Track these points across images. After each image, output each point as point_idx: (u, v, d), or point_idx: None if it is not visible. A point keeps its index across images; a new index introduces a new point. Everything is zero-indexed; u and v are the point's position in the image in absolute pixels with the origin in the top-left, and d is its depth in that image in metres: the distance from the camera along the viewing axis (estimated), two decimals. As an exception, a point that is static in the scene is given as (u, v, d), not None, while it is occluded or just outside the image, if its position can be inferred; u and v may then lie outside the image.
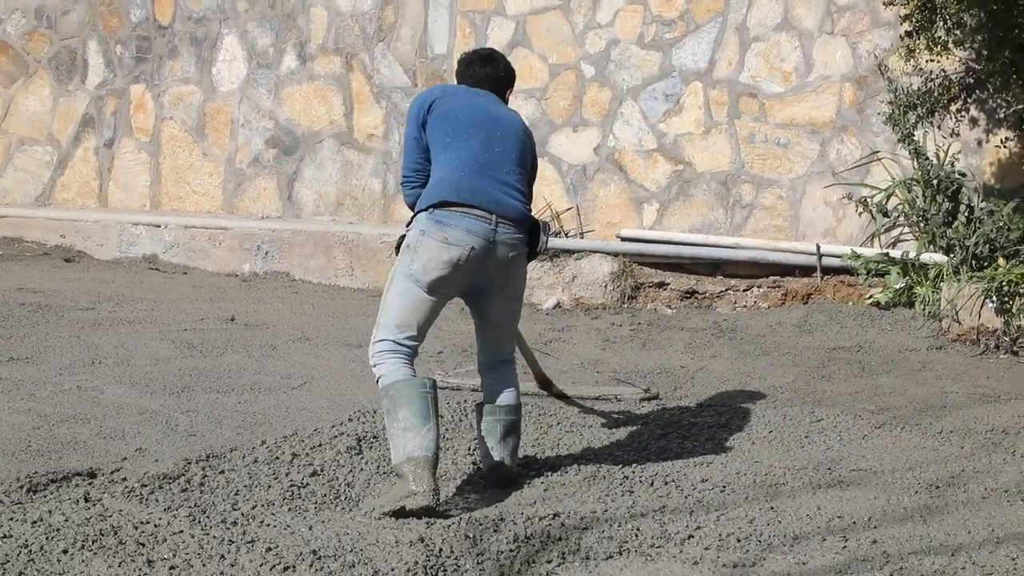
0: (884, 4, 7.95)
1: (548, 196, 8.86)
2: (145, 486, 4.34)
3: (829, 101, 8.46)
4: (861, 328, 7.52)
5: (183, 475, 4.49)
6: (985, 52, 7.81)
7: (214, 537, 3.82)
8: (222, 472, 4.58)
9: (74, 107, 10.49)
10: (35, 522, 3.85)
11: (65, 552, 3.66)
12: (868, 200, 8.21)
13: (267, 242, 9.22)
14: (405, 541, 3.82)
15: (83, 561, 3.62)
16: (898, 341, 7.28)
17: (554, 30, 9.10)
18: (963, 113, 8.08)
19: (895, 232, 8.26)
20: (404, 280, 4.51)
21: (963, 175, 8.01)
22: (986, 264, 7.51)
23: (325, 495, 4.47)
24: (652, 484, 4.64)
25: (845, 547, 4.00)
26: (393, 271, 4.58)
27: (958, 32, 7.53)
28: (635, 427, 5.48)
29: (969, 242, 7.65)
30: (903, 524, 4.25)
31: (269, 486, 4.50)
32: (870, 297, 7.93)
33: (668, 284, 8.48)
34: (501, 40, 9.12)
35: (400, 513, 4.13)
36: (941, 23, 7.56)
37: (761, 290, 8.33)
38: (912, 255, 7.86)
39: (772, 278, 8.37)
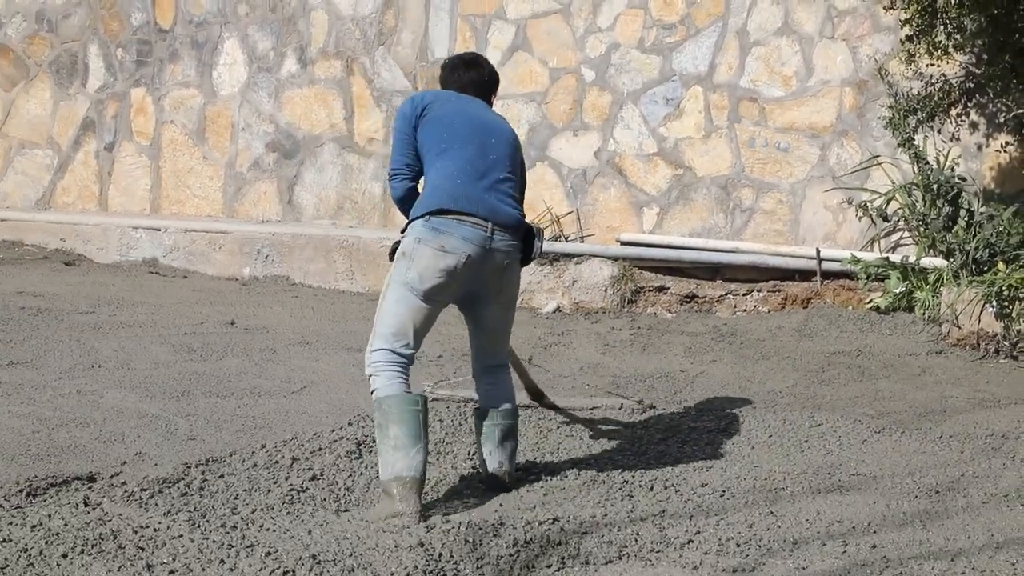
0: (884, 8, 7.95)
1: (548, 200, 8.83)
2: (145, 490, 4.34)
3: (829, 105, 8.46)
4: (861, 332, 7.52)
5: (183, 479, 4.49)
6: (985, 56, 7.82)
7: (214, 541, 3.82)
8: (222, 476, 4.57)
9: (74, 111, 10.50)
10: (35, 526, 3.85)
11: (64, 556, 3.66)
12: (868, 204, 8.21)
13: (267, 246, 9.22)
14: (405, 545, 3.82)
15: (82, 565, 3.62)
16: (898, 345, 7.28)
17: (555, 34, 9.11)
18: (963, 117, 8.08)
19: (895, 236, 8.26)
20: (400, 288, 4.49)
21: (963, 179, 8.01)
22: (986, 268, 7.51)
23: (325, 499, 4.47)
24: (652, 488, 4.63)
25: (845, 552, 4.00)
26: (388, 279, 4.56)
27: (958, 36, 7.53)
28: (635, 432, 5.48)
29: (969, 246, 7.64)
30: (903, 529, 4.25)
31: (269, 490, 4.50)
32: (870, 301, 7.92)
33: (668, 288, 8.48)
34: (502, 44, 9.13)
35: None
36: (941, 27, 7.56)
37: (761, 294, 8.34)
38: (912, 259, 7.85)
39: (772, 282, 8.37)
